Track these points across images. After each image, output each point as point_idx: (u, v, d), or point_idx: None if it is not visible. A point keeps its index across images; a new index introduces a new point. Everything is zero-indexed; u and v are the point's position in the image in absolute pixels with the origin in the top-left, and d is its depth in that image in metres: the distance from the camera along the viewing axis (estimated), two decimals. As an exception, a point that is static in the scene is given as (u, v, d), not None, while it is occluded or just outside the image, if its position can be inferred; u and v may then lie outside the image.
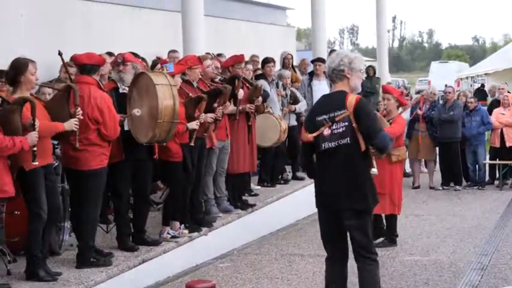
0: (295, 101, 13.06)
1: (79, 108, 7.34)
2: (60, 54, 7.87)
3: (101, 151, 7.77)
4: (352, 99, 6.20)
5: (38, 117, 6.94)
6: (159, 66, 9.19)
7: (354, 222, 6.26)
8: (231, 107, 10.08)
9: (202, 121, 9.10)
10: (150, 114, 8.10)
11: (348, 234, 6.40)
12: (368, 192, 6.26)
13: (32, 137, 6.76)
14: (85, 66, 7.85)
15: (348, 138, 6.19)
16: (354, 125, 6.17)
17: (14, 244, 7.98)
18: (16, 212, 7.92)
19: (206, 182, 10.06)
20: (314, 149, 6.40)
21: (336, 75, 6.39)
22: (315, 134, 6.29)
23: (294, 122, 13.12)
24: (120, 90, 8.35)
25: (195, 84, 9.48)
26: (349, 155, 6.22)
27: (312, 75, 14.06)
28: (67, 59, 8.15)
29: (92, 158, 7.72)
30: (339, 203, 6.27)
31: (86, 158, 7.71)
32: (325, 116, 6.27)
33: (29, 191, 7.22)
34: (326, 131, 6.25)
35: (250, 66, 11.51)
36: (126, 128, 8.22)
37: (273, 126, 11.56)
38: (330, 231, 6.44)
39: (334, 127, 6.23)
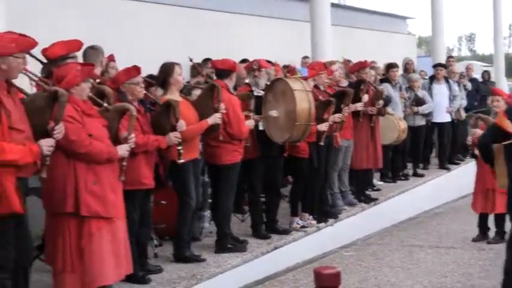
0: (418, 103, 12.91)
1: (222, 104, 7.46)
2: (190, 60, 8.23)
3: (233, 148, 7.87)
4: None
5: (187, 116, 7.07)
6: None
7: None
8: (352, 107, 10.00)
9: (331, 123, 9.12)
10: (287, 117, 8.21)
11: None
12: None
13: (170, 137, 6.85)
14: (219, 70, 8.00)
15: None
16: None
17: (161, 230, 8.23)
18: (162, 202, 8.17)
19: (332, 177, 10.07)
20: (503, 139, 6.06)
21: None
22: None
23: (420, 122, 13.04)
24: (255, 94, 8.46)
25: (321, 88, 9.50)
26: None
27: (432, 79, 13.87)
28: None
29: (225, 154, 7.84)
30: None
31: (220, 154, 7.84)
32: None
33: (179, 183, 7.39)
34: None
35: (372, 72, 11.44)
36: (260, 128, 8.33)
37: (391, 126, 11.49)
38: None
39: None
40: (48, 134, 5.19)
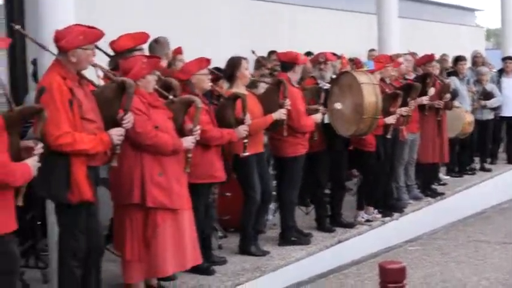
0: (486, 96, 12.65)
1: (287, 100, 7.42)
2: (253, 52, 8.30)
3: (296, 141, 7.82)
4: None
5: (252, 109, 7.06)
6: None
7: None
8: (418, 100, 9.85)
9: (398, 116, 9.00)
10: (354, 110, 8.13)
11: None
12: None
13: (240, 130, 6.85)
14: (283, 63, 7.99)
15: None
16: None
17: (225, 222, 8.27)
18: (227, 194, 8.19)
19: (398, 171, 9.94)
20: None
21: None
22: None
23: (488, 116, 12.78)
24: (320, 86, 8.40)
25: (388, 81, 9.38)
26: None
27: (501, 72, 13.58)
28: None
29: (288, 146, 7.80)
30: None
31: (284, 146, 7.81)
32: None
33: (243, 176, 7.39)
34: None
35: (437, 65, 11.21)
36: (326, 121, 8.27)
37: (457, 119, 11.27)
38: None
39: None
40: (118, 125, 5.27)
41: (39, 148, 4.39)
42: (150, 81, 5.88)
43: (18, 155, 4.31)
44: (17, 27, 5.20)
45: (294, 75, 7.93)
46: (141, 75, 5.75)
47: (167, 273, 6.07)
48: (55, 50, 5.23)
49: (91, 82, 5.45)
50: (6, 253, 4.18)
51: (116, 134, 5.23)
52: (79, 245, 5.21)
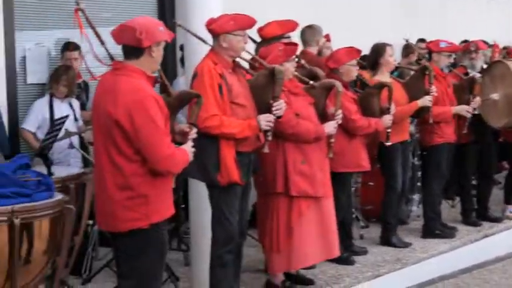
0: None
1: (433, 86, 7.19)
2: (406, 40, 8.29)
3: (442, 129, 7.56)
4: None
5: (396, 97, 6.89)
6: None
7: None
8: None
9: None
10: (506, 102, 7.82)
11: None
12: None
13: (386, 119, 6.70)
14: (430, 51, 7.75)
15: None
16: None
17: (367, 211, 8.17)
18: (370, 183, 8.07)
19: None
20: None
21: None
22: None
23: None
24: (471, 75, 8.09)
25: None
26: None
27: None
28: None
29: (433, 134, 7.57)
30: None
31: (430, 135, 7.60)
32: None
33: (386, 165, 7.25)
34: None
35: None
36: (476, 112, 7.94)
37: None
38: None
39: None
40: (270, 111, 5.26)
41: (193, 133, 4.43)
42: (288, 68, 5.80)
43: (173, 138, 4.38)
44: (179, 23, 5.29)
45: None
46: (277, 63, 5.65)
47: (312, 262, 6.05)
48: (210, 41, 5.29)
49: (246, 70, 5.49)
50: (159, 240, 4.24)
51: (265, 119, 5.21)
52: (231, 228, 5.22)
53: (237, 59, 5.36)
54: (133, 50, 4.13)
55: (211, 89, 5.01)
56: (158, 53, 4.19)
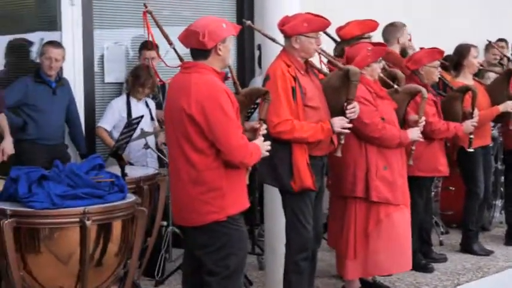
0: None
1: None
2: (489, 42, 8.08)
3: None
4: None
5: (479, 100, 6.64)
6: None
7: None
8: None
9: None
10: None
11: None
12: None
13: (468, 125, 6.47)
14: None
15: None
16: None
17: (448, 217, 7.95)
18: (451, 188, 7.84)
19: None
20: None
21: None
22: None
23: None
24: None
25: None
26: None
27: None
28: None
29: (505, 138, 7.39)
30: None
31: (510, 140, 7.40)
32: None
33: (467, 170, 7.03)
34: None
35: None
36: None
37: None
38: None
39: None
40: (344, 114, 5.13)
41: (263, 129, 4.45)
42: (376, 69, 5.67)
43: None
44: (248, 22, 5.22)
45: None
46: (366, 64, 5.55)
47: (388, 271, 5.87)
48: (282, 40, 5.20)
49: (320, 70, 5.38)
50: (237, 232, 4.25)
51: (338, 122, 5.08)
52: (307, 235, 5.10)
53: (310, 59, 5.24)
54: (200, 52, 4.22)
55: (284, 92, 4.92)
56: (225, 49, 4.25)
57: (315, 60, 5.35)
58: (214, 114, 4.06)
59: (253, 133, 4.42)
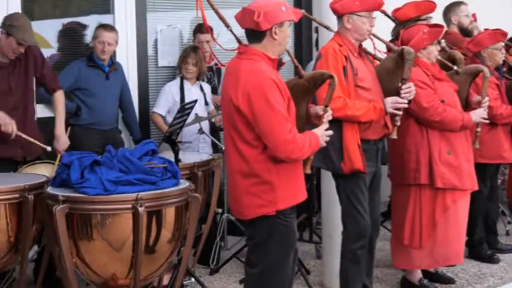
0: None
1: None
2: None
3: None
4: None
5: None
6: None
7: None
8: None
9: None
10: None
11: None
12: None
13: None
14: None
15: None
16: None
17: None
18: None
19: None
20: None
21: None
22: None
23: None
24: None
25: None
26: None
27: None
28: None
29: None
30: None
31: None
32: None
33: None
34: None
35: None
36: None
37: None
38: None
39: None
40: (399, 95, 4.95)
41: (328, 115, 4.27)
42: (432, 52, 5.46)
43: (305, 122, 4.28)
44: (303, 11, 5.07)
45: None
46: (422, 46, 5.36)
47: (455, 261, 5.65)
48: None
49: (374, 56, 5.24)
50: (285, 228, 4.11)
51: (392, 102, 4.90)
52: (363, 221, 4.92)
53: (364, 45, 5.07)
54: (255, 33, 4.04)
55: (335, 70, 4.73)
56: (282, 34, 4.05)
57: (369, 47, 5.21)
58: (259, 107, 3.90)
59: (317, 119, 4.27)
